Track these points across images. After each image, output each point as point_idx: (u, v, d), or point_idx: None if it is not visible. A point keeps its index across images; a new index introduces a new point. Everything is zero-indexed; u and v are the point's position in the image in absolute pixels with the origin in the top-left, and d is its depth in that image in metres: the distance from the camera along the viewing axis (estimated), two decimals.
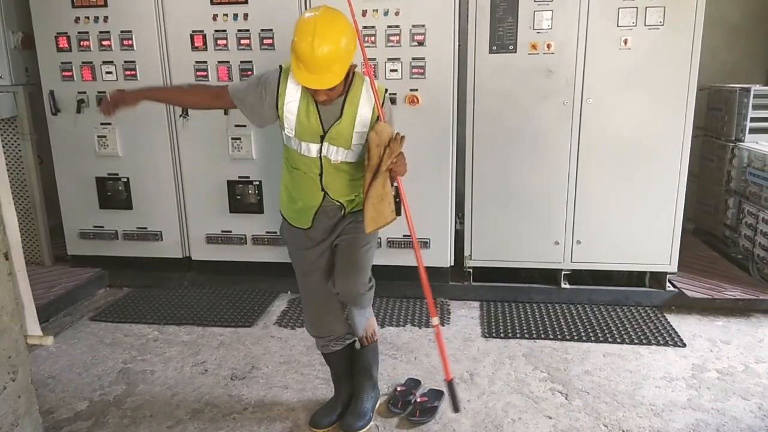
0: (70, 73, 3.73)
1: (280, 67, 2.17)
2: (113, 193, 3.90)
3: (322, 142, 2.17)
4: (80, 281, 3.86)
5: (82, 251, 4.04)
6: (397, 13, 3.39)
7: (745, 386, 2.78)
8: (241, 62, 3.57)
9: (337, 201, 2.30)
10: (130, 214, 3.92)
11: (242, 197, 3.79)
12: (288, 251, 2.49)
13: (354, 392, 2.57)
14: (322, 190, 2.26)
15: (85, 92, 3.75)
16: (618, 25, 3.28)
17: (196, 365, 3.05)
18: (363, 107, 2.18)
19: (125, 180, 3.86)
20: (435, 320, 2.39)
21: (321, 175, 2.24)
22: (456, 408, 2.39)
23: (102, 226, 3.96)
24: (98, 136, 3.78)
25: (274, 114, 2.20)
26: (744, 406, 2.62)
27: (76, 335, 3.38)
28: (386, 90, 2.27)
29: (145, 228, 3.93)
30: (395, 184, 2.26)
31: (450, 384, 2.38)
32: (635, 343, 3.17)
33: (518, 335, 3.28)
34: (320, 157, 2.21)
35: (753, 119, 3.96)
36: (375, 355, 2.59)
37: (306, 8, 3.48)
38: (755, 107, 3.94)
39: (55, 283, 3.79)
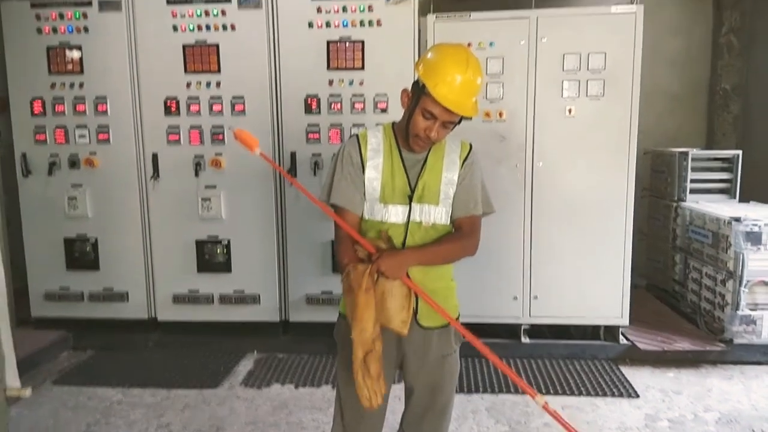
0: (44, 137, 3.83)
1: (356, 136, 2.04)
2: (80, 254, 3.92)
3: (410, 203, 1.98)
4: (43, 344, 3.81)
5: (47, 313, 4.01)
6: (361, 83, 3.63)
7: None
8: (213, 126, 3.74)
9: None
10: (97, 275, 3.93)
11: (210, 256, 3.86)
12: (339, 374, 2.09)
13: None
14: None
15: (57, 155, 3.84)
16: (562, 96, 3.57)
17: (161, 428, 3.03)
18: (448, 166, 2.01)
19: (93, 241, 3.90)
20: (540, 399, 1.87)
21: (404, 244, 1.96)
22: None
23: (68, 287, 3.96)
24: (69, 198, 3.84)
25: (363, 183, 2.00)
26: None
27: (38, 400, 3.32)
28: (470, 146, 2.06)
29: (112, 289, 3.95)
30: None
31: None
32: (592, 395, 3.29)
33: (481, 389, 3.37)
34: (407, 223, 1.97)
35: (693, 180, 4.25)
36: None
37: (276, 77, 3.69)
38: (694, 169, 4.24)
39: (17, 347, 3.71)
